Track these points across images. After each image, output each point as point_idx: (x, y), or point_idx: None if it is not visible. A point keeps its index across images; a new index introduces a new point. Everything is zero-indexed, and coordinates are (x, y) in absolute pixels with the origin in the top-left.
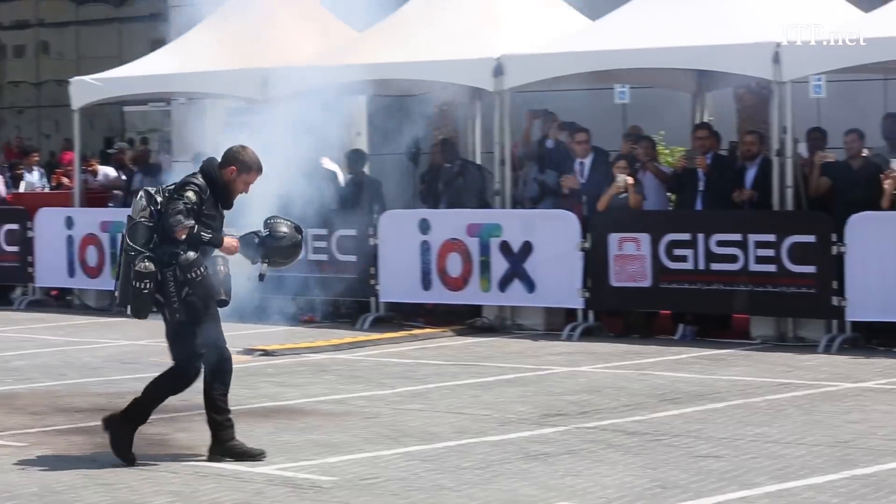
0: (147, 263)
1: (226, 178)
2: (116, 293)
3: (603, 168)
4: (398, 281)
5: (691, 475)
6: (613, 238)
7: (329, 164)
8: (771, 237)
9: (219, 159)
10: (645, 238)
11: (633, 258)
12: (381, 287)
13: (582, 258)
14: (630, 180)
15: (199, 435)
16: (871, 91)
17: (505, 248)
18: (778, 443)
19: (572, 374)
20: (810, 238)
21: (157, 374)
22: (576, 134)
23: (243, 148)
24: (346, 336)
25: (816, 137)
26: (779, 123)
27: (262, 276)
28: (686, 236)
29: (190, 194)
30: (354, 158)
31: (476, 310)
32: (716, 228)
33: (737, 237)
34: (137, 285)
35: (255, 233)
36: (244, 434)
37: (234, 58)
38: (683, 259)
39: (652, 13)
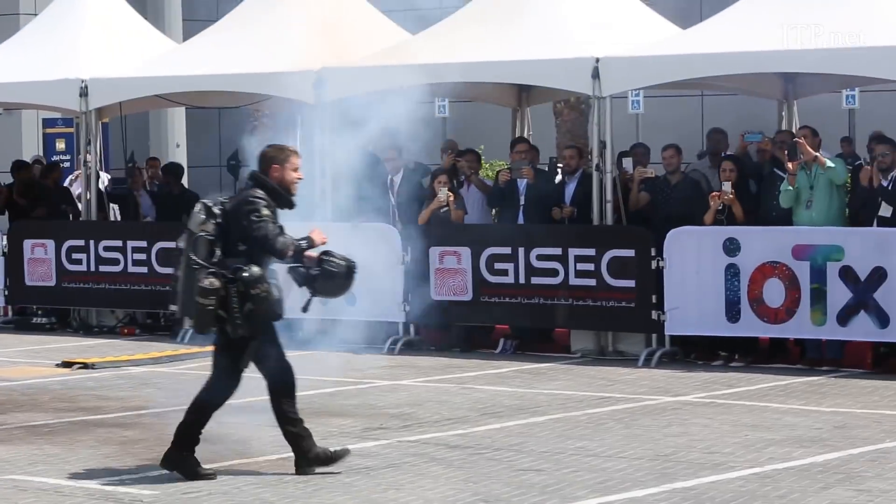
0: (213, 280)
1: (276, 178)
2: (176, 306)
3: (415, 183)
4: None
5: (513, 489)
6: (434, 252)
7: None
8: (590, 251)
9: (255, 168)
10: (466, 252)
11: (453, 272)
12: None
13: (402, 272)
14: (451, 195)
15: (16, 447)
16: (688, 106)
17: None
18: (599, 456)
19: (393, 388)
20: (629, 252)
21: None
22: (387, 150)
23: (268, 146)
24: (167, 349)
25: (640, 153)
26: (598, 138)
27: (306, 307)
28: (506, 250)
29: (265, 211)
30: (172, 171)
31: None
32: (536, 242)
33: (557, 251)
34: (202, 301)
35: (306, 266)
36: (65, 448)
37: (51, 68)
38: (504, 273)
39: (473, 28)
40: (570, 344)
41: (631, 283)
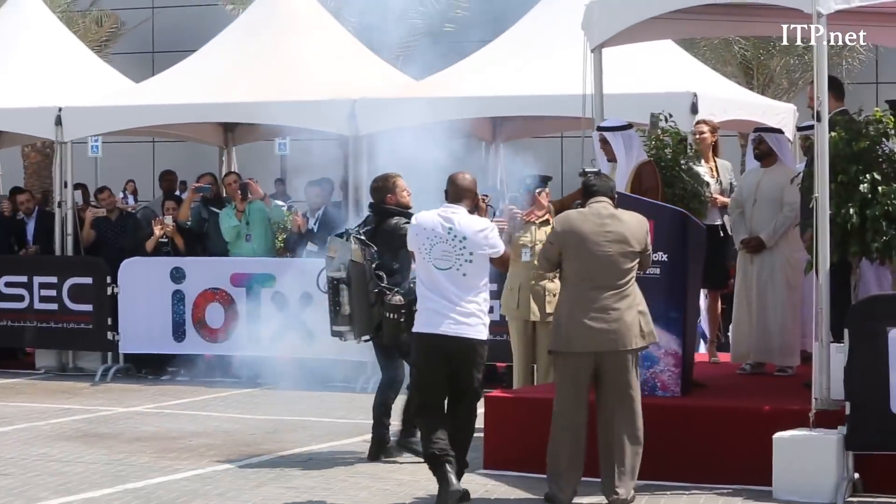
0: (399, 297)
1: (393, 202)
2: (348, 328)
3: None
4: None
5: None
6: None
7: None
8: (53, 279)
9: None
10: None
11: None
12: None
13: None
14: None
15: None
16: (142, 151)
17: None
18: (60, 461)
19: None
20: (88, 280)
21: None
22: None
23: (374, 181)
24: None
25: (95, 193)
26: (61, 178)
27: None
28: None
29: None
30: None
31: None
32: (4, 271)
33: (23, 279)
34: (391, 316)
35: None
36: None
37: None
38: None
39: None
40: (36, 361)
41: (89, 308)
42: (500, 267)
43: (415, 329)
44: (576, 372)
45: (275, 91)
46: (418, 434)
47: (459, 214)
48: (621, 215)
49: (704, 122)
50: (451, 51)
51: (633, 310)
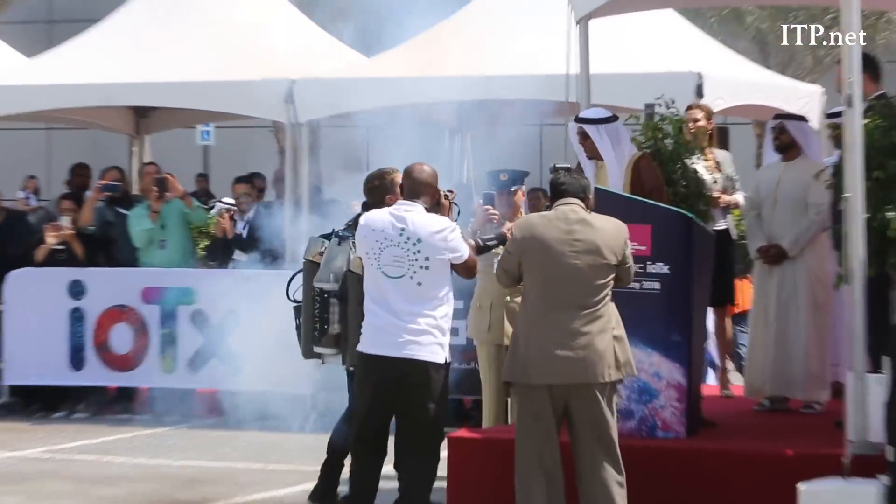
0: None
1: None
2: (334, 351)
3: None
4: None
5: None
6: None
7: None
8: None
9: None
10: None
11: None
12: None
13: None
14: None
15: None
16: (36, 140)
17: None
18: None
19: None
20: None
21: None
22: None
23: (370, 179)
24: None
25: None
26: None
27: None
28: None
29: None
30: None
31: None
32: None
33: None
34: None
35: None
36: None
37: None
38: None
39: None
40: None
41: None
42: (465, 275)
43: (358, 348)
44: (538, 408)
45: (196, 69)
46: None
47: (414, 213)
48: (594, 220)
49: (698, 106)
50: (409, 24)
51: (605, 335)
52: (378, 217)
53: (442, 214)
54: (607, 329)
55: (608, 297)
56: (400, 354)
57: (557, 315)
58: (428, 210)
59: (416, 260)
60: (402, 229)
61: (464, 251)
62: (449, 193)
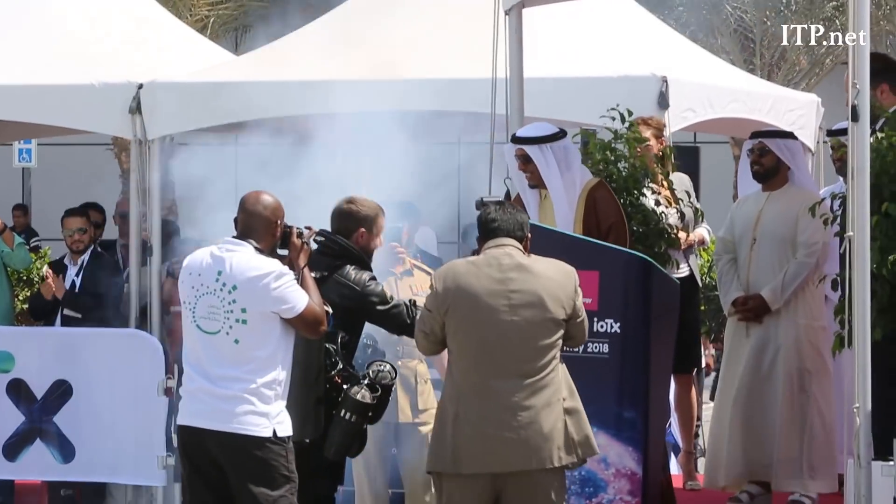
0: (366, 391)
1: (366, 246)
2: None
3: None
4: None
5: None
6: None
7: None
8: None
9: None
10: None
11: None
12: None
13: None
14: None
15: None
16: None
17: None
18: None
19: None
20: None
21: None
22: None
23: (343, 201)
24: None
25: None
26: None
27: None
28: None
29: None
30: None
31: None
32: None
33: None
34: (349, 417)
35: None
36: None
37: None
38: None
39: None
40: None
41: None
42: (307, 332)
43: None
44: (468, 503)
45: (16, 70)
46: None
47: (238, 253)
48: (534, 266)
49: (644, 121)
50: (286, 18)
51: (553, 408)
52: (198, 258)
53: (294, 258)
54: (554, 401)
55: (556, 361)
56: (209, 426)
57: (493, 386)
58: (264, 252)
59: (232, 311)
60: (219, 273)
61: (296, 302)
62: (305, 231)
